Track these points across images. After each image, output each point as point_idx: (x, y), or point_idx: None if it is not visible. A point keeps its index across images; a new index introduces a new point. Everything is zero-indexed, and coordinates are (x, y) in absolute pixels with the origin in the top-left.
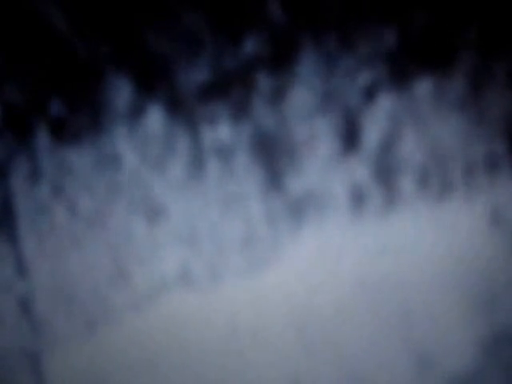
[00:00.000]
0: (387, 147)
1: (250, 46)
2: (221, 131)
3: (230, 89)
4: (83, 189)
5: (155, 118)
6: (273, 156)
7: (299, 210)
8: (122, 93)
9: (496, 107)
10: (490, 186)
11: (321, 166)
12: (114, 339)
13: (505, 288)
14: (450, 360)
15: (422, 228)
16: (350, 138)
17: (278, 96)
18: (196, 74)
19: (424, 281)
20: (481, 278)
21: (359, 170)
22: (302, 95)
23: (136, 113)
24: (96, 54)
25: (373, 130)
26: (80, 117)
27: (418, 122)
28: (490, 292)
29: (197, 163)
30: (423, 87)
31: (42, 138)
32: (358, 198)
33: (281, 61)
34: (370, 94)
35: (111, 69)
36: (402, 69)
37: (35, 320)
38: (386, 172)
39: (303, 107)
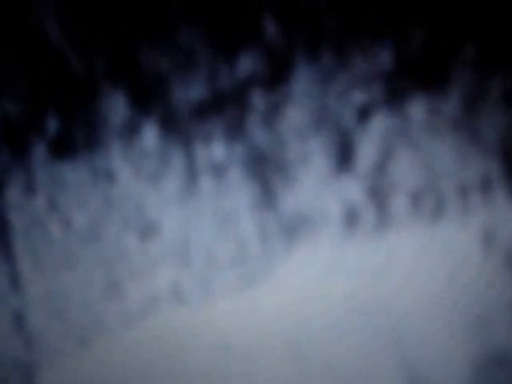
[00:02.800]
0: (381, 167)
1: (245, 64)
2: (215, 149)
3: (224, 107)
4: (78, 204)
5: (150, 135)
6: (266, 174)
7: (292, 228)
8: (117, 109)
9: (491, 128)
10: (483, 207)
11: (314, 185)
12: (106, 354)
13: (498, 309)
14: (442, 381)
15: (415, 249)
16: (343, 157)
17: (272, 114)
18: (191, 92)
19: (417, 301)
20: (474, 298)
21: (353, 189)
22: (296, 114)
23: (131, 129)
24: (92, 71)
25: (367, 149)
26: (76, 132)
27: (413, 141)
28: (484, 313)
29: (191, 181)
30: (418, 107)
31: (38, 153)
32: (351, 218)
33: (276, 79)
34: (364, 113)
35: (107, 85)
36: (397, 88)
37: (28, 334)
38: (379, 192)
39: (297, 126)
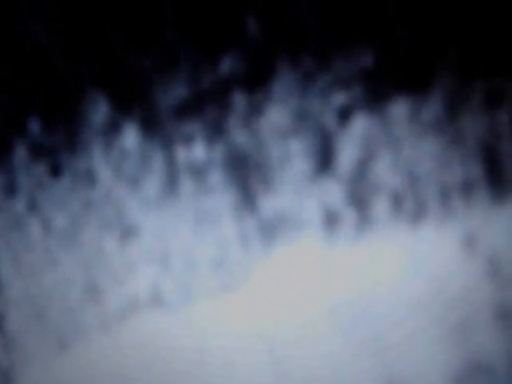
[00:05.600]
0: (362, 169)
1: (226, 65)
2: (195, 150)
3: (205, 108)
4: (58, 205)
5: (131, 136)
6: (247, 176)
7: (272, 230)
8: (98, 110)
9: (473, 131)
10: (465, 211)
11: (295, 187)
12: (84, 358)
13: (478, 316)
14: None
15: (395, 252)
16: (324, 158)
17: (253, 115)
18: (172, 93)
19: (396, 306)
20: (454, 305)
21: (333, 191)
22: (277, 115)
23: (112, 130)
24: (74, 72)
25: (348, 151)
26: (57, 133)
27: (394, 144)
28: (464, 320)
29: (171, 182)
30: (399, 109)
31: (19, 154)
32: (331, 221)
33: (256, 80)
34: (345, 114)
35: (89, 86)
36: (378, 90)
37: (7, 336)
38: (360, 194)
39: (278, 127)
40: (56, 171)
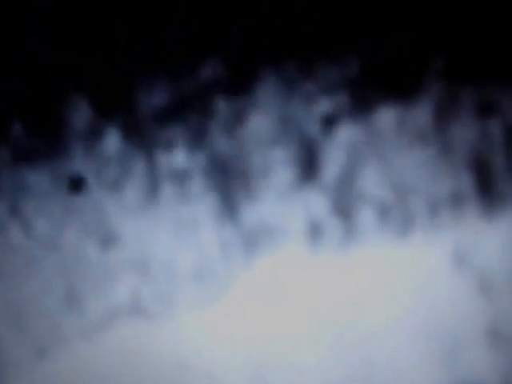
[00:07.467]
0: (347, 179)
1: (209, 71)
2: (177, 156)
3: (187, 114)
4: (39, 211)
5: (112, 142)
6: (229, 184)
7: (254, 240)
8: (80, 115)
9: (462, 140)
10: (454, 223)
11: (278, 196)
12: (64, 366)
13: (468, 332)
14: None
15: (381, 264)
16: (308, 167)
17: (235, 122)
18: (154, 98)
19: (382, 318)
20: (443, 320)
21: (317, 201)
22: (260, 122)
23: (94, 136)
24: (56, 77)
25: (332, 160)
26: (39, 138)
27: (380, 153)
28: (453, 336)
29: (152, 189)
30: (386, 117)
31: (1, 158)
32: (315, 231)
33: (239, 86)
34: (330, 122)
35: (71, 91)
36: (363, 97)
37: None
38: (345, 205)
39: (261, 134)
40: (38, 176)
